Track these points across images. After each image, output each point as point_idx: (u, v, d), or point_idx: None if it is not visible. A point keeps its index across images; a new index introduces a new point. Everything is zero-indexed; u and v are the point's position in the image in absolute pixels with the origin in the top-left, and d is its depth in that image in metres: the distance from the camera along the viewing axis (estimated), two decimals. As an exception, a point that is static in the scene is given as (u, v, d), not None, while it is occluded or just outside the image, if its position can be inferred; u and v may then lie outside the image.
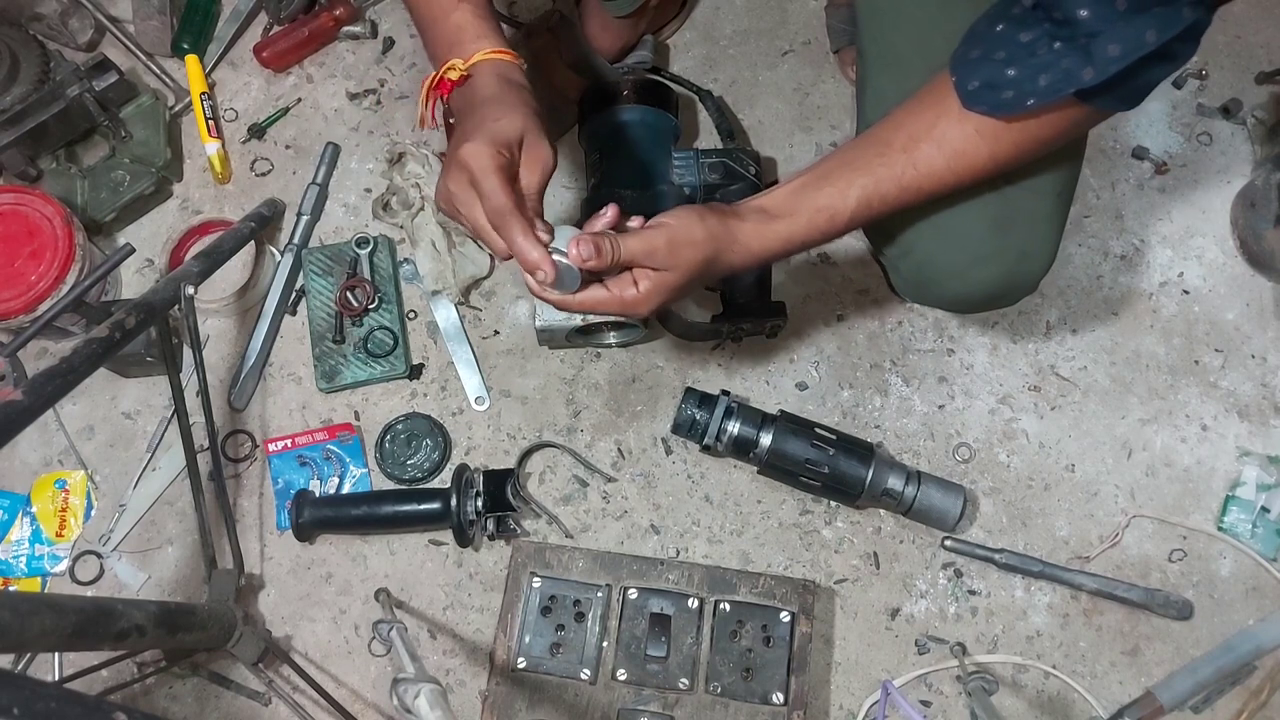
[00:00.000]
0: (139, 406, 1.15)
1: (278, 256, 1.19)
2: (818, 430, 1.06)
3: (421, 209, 1.16)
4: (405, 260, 1.19)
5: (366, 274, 1.15)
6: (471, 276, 1.16)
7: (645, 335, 1.13)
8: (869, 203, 0.82)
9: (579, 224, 0.82)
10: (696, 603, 1.02)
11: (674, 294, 0.84)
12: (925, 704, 1.04)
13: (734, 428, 1.05)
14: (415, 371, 1.16)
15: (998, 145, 0.81)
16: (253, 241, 1.14)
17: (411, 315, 1.18)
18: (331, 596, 1.09)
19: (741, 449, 1.06)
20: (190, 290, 0.96)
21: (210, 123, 1.22)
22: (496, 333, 1.17)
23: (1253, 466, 1.10)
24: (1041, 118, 0.80)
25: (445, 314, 1.17)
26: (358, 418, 1.14)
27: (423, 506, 1.06)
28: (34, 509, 1.12)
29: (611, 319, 1.07)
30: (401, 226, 1.19)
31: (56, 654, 1.05)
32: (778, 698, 0.99)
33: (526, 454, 1.12)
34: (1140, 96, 0.79)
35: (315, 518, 1.07)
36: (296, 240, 1.19)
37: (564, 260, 0.78)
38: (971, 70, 0.80)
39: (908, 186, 0.82)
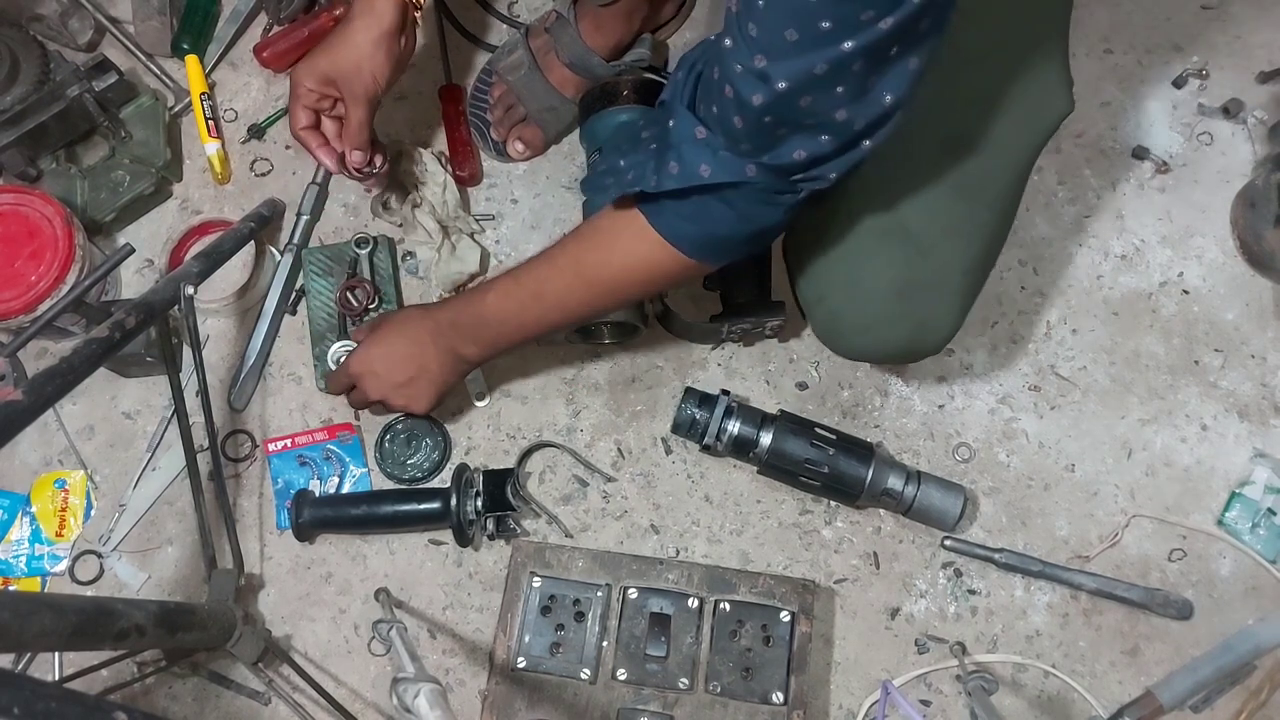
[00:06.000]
0: (139, 406, 1.15)
1: (278, 256, 1.19)
2: (818, 430, 1.06)
3: (419, 204, 1.16)
4: (408, 254, 1.19)
5: (366, 274, 1.15)
6: (458, 273, 1.15)
7: (645, 335, 1.13)
8: (514, 280, 0.93)
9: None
10: (696, 602, 1.02)
11: (371, 360, 1.01)
12: (925, 703, 1.04)
13: (734, 427, 1.05)
14: (415, 371, 1.16)
15: (582, 264, 0.89)
16: (252, 241, 1.14)
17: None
18: (331, 596, 1.09)
19: (741, 449, 1.06)
20: (190, 290, 0.96)
21: (210, 123, 1.22)
22: (496, 333, 1.17)
23: (1264, 468, 1.10)
24: (626, 238, 0.84)
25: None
26: (357, 417, 1.14)
27: (422, 506, 1.06)
28: (34, 509, 1.12)
29: (611, 319, 1.07)
30: (400, 224, 1.19)
31: (56, 654, 1.06)
32: (777, 697, 0.99)
33: (526, 454, 1.12)
34: (698, 241, 0.82)
35: (315, 518, 1.07)
36: (296, 240, 1.19)
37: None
38: (605, 157, 0.88)
39: (564, 271, 0.90)
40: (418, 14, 1.02)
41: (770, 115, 0.68)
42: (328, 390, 1.11)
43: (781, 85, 0.65)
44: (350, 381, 1.05)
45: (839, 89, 0.65)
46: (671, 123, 0.76)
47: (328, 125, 1.07)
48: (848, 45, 0.62)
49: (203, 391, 1.00)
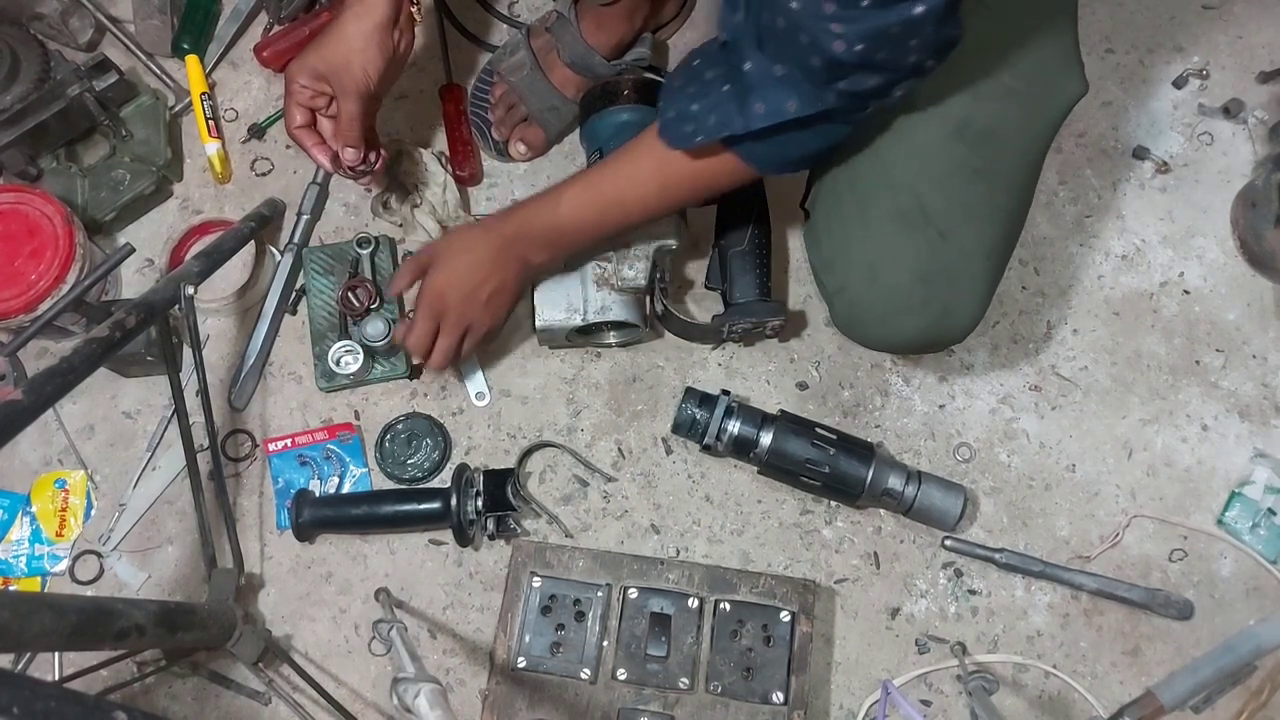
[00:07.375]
0: (139, 406, 1.15)
1: (278, 256, 1.19)
2: (818, 430, 1.06)
3: (419, 204, 1.16)
4: (408, 254, 1.19)
5: (368, 274, 1.15)
6: None
7: (645, 335, 1.13)
8: (592, 190, 0.95)
9: None
10: (696, 602, 1.02)
11: (446, 286, 0.98)
12: (925, 704, 1.04)
13: (734, 427, 1.05)
14: (415, 371, 1.16)
15: (668, 176, 0.90)
16: (253, 241, 1.14)
17: (412, 315, 1.18)
18: (331, 596, 1.09)
19: (742, 449, 1.06)
20: (190, 290, 0.96)
21: (210, 122, 1.22)
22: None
23: (1264, 468, 1.10)
24: (707, 158, 0.87)
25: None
26: (358, 417, 1.14)
27: (423, 506, 1.06)
28: (34, 508, 1.12)
29: (612, 319, 1.07)
30: (400, 224, 1.19)
31: (56, 654, 1.06)
32: (778, 697, 0.99)
33: (526, 453, 1.12)
34: (779, 164, 0.88)
35: (315, 517, 1.07)
36: (296, 240, 1.19)
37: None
38: (670, 100, 0.87)
39: (614, 196, 0.95)
40: (414, 9, 1.01)
41: (848, 61, 0.73)
42: (402, 340, 1.03)
43: (859, 47, 0.71)
44: (432, 324, 1.00)
45: (912, 43, 0.71)
46: (746, 65, 0.78)
47: (323, 123, 1.06)
48: (919, 10, 0.68)
49: (203, 391, 1.00)
